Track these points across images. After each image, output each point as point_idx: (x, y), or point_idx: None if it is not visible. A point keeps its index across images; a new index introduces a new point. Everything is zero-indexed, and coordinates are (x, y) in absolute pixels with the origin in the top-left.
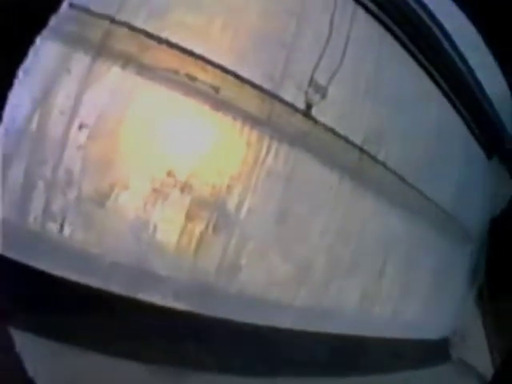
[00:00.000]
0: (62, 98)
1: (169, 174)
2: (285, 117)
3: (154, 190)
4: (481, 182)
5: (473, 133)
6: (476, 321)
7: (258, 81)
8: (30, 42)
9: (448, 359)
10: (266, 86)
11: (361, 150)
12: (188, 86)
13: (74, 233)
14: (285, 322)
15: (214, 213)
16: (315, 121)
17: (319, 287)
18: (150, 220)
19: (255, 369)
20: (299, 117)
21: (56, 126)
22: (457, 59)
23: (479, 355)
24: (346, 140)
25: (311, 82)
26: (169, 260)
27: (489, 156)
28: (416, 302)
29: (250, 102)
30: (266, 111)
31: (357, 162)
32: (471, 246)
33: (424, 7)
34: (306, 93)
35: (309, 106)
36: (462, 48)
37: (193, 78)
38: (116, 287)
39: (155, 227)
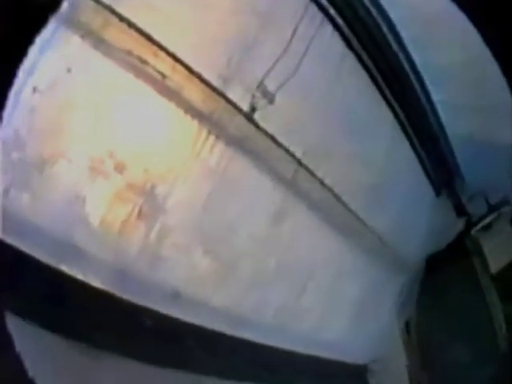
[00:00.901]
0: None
1: (107, 151)
2: (227, 115)
3: (91, 165)
4: (424, 217)
5: (423, 167)
6: (400, 353)
7: (207, 75)
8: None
9: None
10: (214, 82)
11: (299, 162)
12: (138, 68)
13: (14, 196)
14: (200, 319)
15: (142, 197)
16: (257, 125)
17: (239, 291)
18: (81, 193)
19: (166, 360)
20: (241, 118)
21: (12, 86)
22: (420, 93)
23: None
24: (286, 150)
25: (260, 86)
26: (93, 236)
27: (437, 192)
28: (338, 323)
29: (195, 94)
30: (209, 106)
31: (293, 173)
32: (404, 277)
33: (396, 35)
34: (253, 96)
35: (253, 109)
36: (439, 83)
37: (143, 61)
38: (43, 255)
39: (84, 201)
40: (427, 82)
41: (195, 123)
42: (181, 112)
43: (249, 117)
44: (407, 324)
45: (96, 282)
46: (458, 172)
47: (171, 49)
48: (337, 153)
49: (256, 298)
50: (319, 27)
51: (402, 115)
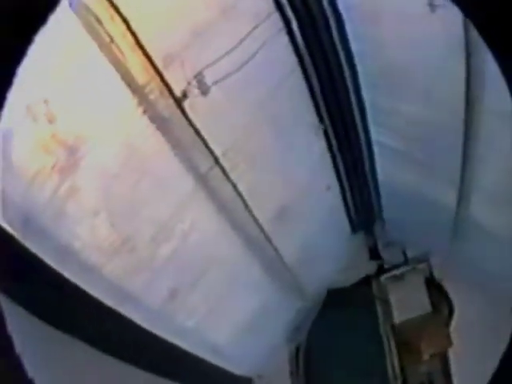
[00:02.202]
0: None
1: (44, 97)
2: (158, 94)
3: (27, 105)
4: (334, 250)
5: (345, 202)
6: (285, 373)
7: (151, 51)
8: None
9: None
10: (156, 58)
11: (216, 160)
12: (92, 26)
13: None
14: (90, 286)
15: (62, 151)
16: (184, 112)
17: (131, 267)
18: (12, 130)
19: (55, 319)
20: (171, 101)
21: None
22: (360, 128)
23: None
24: (206, 145)
25: (199, 75)
26: (10, 174)
27: (354, 229)
28: (226, 328)
29: (136, 64)
30: (144, 80)
31: (208, 169)
32: (301, 303)
33: (352, 67)
34: (189, 83)
35: (184, 96)
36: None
37: (99, 21)
38: None
39: (11, 136)
40: (371, 121)
41: (128, 92)
42: (118, 77)
43: (178, 101)
44: (297, 349)
45: (3, 222)
46: (381, 216)
47: (127, 16)
48: (257, 163)
49: (146, 279)
50: (276, 35)
51: (335, 145)
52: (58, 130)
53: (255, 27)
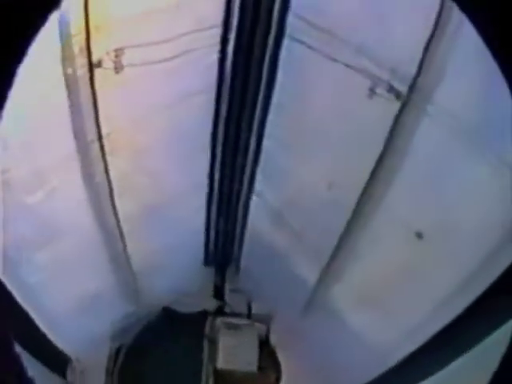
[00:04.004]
0: None
1: None
2: (78, 50)
3: None
4: (181, 273)
5: (207, 235)
6: (101, 368)
7: (91, 8)
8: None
9: (63, 376)
10: (92, 17)
11: (99, 137)
12: None
13: None
14: None
15: None
16: (92, 78)
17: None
18: None
19: None
20: (85, 63)
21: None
22: (247, 174)
23: None
24: (96, 118)
25: (119, 51)
26: None
27: (206, 263)
28: (60, 298)
29: (73, 13)
30: (75, 31)
31: (90, 142)
32: (134, 308)
33: (265, 116)
34: (107, 53)
35: (98, 64)
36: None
37: None
38: None
39: None
40: (261, 172)
41: (57, 34)
42: (56, 24)
43: (91, 66)
44: (117, 350)
45: None
46: (237, 263)
47: None
48: (136, 157)
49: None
50: (208, 48)
51: (217, 177)
52: None
53: (194, 31)
